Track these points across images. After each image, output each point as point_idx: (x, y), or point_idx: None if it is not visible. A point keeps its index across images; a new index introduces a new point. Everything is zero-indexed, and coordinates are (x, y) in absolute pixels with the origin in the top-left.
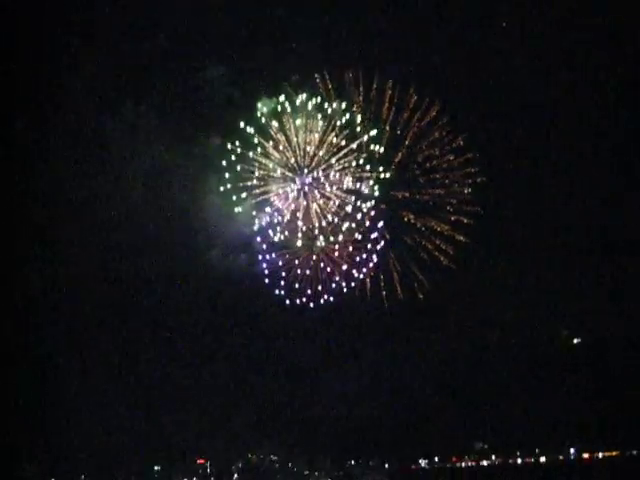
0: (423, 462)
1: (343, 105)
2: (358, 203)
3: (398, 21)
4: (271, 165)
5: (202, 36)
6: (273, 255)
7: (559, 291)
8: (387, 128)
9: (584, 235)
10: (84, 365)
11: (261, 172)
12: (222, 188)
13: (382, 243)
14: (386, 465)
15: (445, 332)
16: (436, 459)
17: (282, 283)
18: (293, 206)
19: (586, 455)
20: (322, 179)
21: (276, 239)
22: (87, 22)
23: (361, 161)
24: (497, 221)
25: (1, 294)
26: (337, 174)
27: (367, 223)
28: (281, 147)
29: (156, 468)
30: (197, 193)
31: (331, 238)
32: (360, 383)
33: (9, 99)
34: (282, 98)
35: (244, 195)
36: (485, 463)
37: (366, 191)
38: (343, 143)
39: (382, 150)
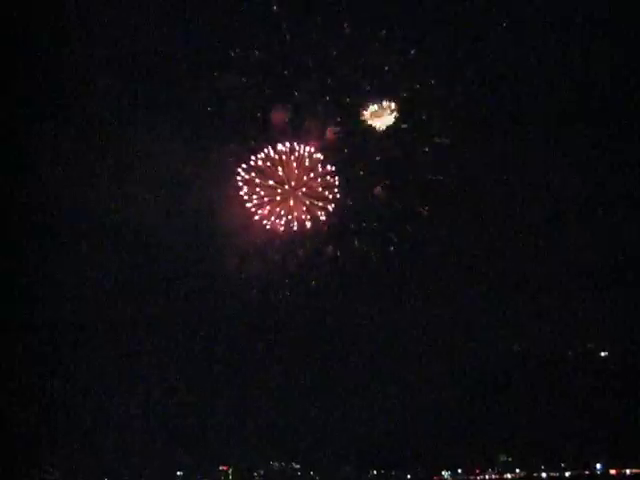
0: (446, 474)
1: None
2: None
3: None
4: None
5: (219, 44)
6: None
7: (586, 303)
8: None
9: (610, 245)
10: (108, 370)
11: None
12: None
13: None
14: (408, 476)
15: (470, 343)
16: (459, 471)
17: None
18: None
19: (613, 471)
20: None
21: None
22: (102, 29)
23: None
24: (521, 229)
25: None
26: None
27: None
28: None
29: (179, 473)
30: (213, 201)
31: None
32: (383, 393)
33: (23, 108)
34: None
35: None
36: (509, 476)
37: None
38: None
39: None
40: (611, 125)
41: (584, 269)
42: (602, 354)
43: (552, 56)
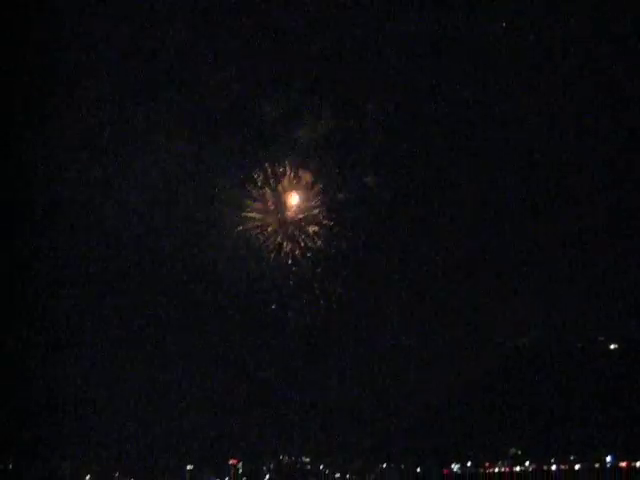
0: (456, 467)
1: None
2: None
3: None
4: None
5: (212, 37)
6: None
7: (596, 294)
8: None
9: (619, 237)
10: (118, 364)
11: None
12: None
13: None
14: (418, 469)
15: (479, 335)
16: (469, 464)
17: None
18: None
19: (624, 463)
20: None
21: None
22: (96, 24)
23: None
24: (533, 224)
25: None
26: None
27: None
28: None
29: (188, 467)
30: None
31: None
32: (393, 386)
33: (21, 102)
34: None
35: None
36: (519, 469)
37: None
38: None
39: None
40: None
41: (593, 261)
42: (612, 346)
43: None
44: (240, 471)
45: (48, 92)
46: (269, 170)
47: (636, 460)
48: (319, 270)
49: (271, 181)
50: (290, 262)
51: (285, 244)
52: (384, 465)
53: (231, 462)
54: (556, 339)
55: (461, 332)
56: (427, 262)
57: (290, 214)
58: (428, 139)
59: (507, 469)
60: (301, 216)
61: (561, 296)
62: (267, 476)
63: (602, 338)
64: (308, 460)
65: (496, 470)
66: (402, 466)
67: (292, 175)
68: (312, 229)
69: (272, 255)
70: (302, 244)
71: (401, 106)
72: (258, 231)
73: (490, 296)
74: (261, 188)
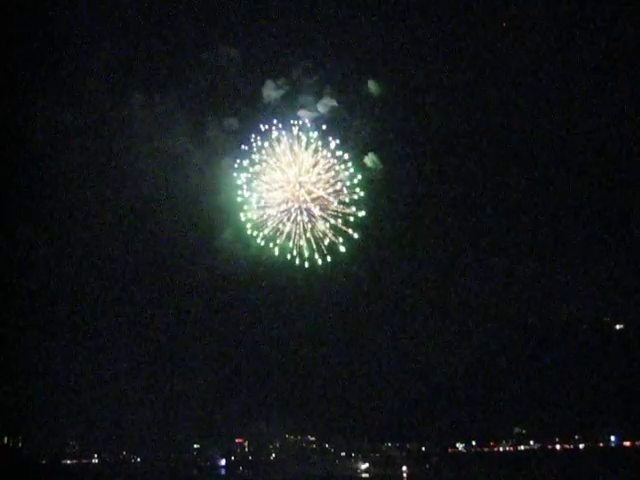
0: (460, 446)
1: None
2: None
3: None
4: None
5: (212, 21)
6: None
7: (602, 277)
8: None
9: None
10: (128, 349)
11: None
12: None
13: None
14: (423, 448)
15: (485, 317)
16: (473, 443)
17: None
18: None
19: (627, 443)
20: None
21: None
22: (99, 9)
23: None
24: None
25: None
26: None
27: None
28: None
29: (196, 446)
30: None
31: None
32: (399, 366)
33: (23, 86)
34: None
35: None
36: (523, 448)
37: None
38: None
39: None
40: None
41: (600, 243)
42: (617, 327)
43: None
44: (246, 449)
45: (46, 79)
46: (269, 151)
47: None
48: (319, 250)
49: (271, 162)
50: (291, 245)
51: (284, 226)
52: (389, 444)
53: (237, 441)
54: (562, 320)
55: (466, 314)
56: (430, 246)
57: (290, 195)
58: (427, 118)
59: (511, 448)
60: (301, 197)
61: (569, 278)
62: (273, 454)
63: (608, 319)
64: (313, 439)
65: (500, 449)
66: (407, 445)
67: (292, 155)
68: (311, 210)
69: (271, 235)
70: (301, 226)
71: (400, 87)
72: (257, 214)
73: (497, 278)
74: (261, 167)
